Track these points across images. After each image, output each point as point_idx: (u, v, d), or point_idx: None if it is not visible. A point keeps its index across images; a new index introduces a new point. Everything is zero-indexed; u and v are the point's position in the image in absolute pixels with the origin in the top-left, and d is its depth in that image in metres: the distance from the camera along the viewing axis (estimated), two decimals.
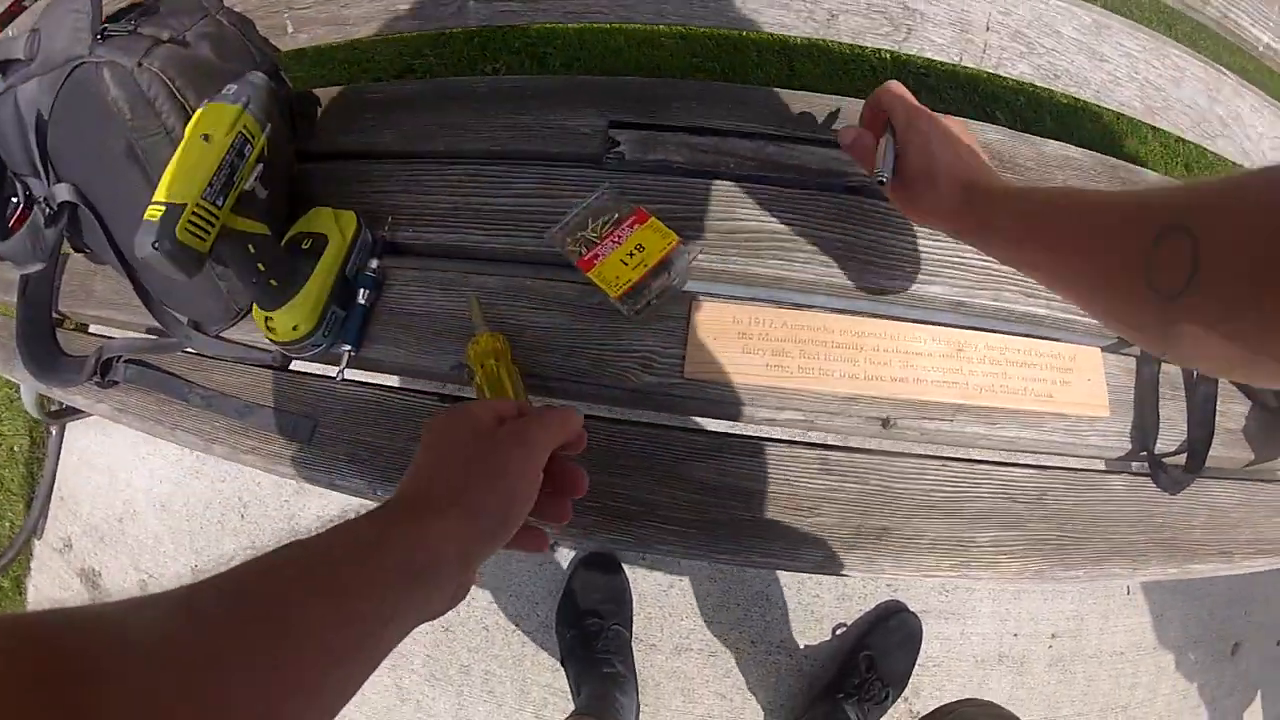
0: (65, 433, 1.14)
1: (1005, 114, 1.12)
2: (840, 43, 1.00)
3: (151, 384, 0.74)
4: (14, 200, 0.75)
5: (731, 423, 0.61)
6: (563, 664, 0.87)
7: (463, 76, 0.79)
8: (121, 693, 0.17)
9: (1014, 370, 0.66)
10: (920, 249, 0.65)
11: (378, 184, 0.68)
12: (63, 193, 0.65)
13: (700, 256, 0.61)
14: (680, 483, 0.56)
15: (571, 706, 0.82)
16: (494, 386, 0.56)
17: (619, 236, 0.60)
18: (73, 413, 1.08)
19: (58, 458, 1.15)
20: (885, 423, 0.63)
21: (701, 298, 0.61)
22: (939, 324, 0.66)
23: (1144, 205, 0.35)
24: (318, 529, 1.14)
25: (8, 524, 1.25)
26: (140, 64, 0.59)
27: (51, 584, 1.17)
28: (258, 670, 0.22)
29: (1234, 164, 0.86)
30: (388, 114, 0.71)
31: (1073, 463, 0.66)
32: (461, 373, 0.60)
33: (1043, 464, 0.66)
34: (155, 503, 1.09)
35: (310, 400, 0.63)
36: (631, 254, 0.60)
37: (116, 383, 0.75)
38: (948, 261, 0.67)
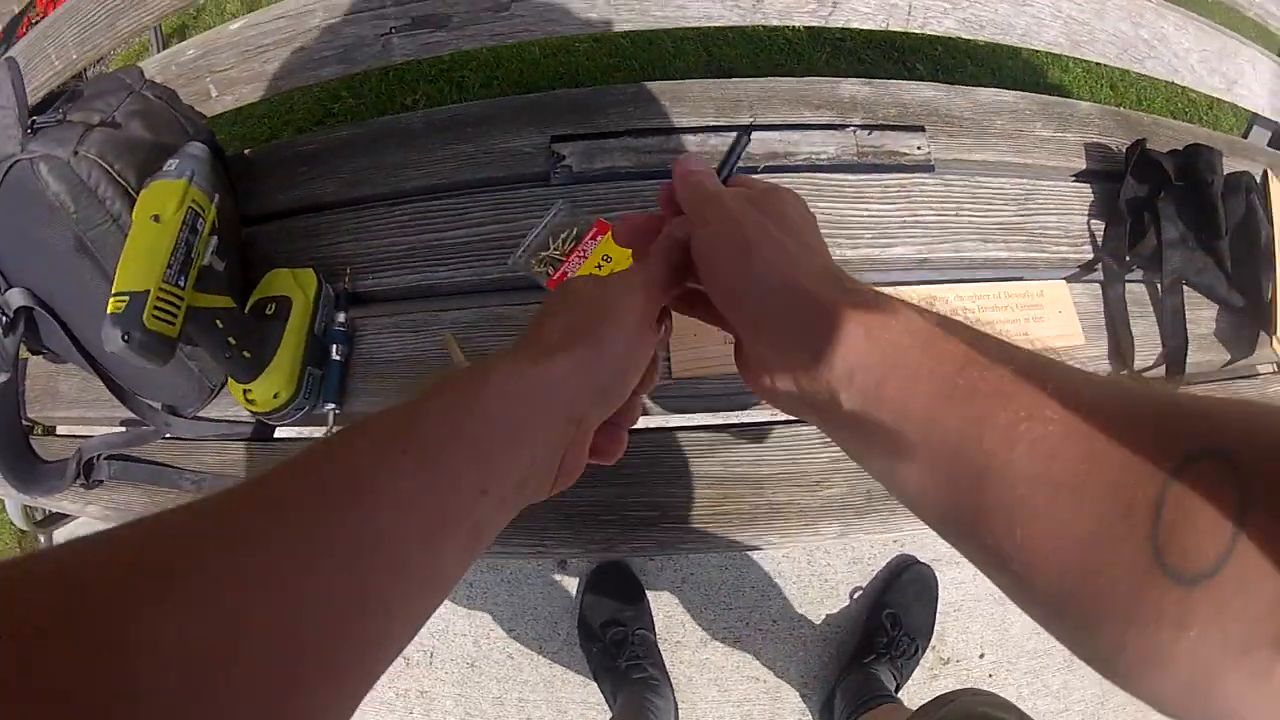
0: (54, 538, 1.10)
1: (926, 66, 1.12)
2: (747, 26, 1.00)
3: (139, 477, 0.71)
4: None
5: (727, 413, 0.60)
6: (595, 677, 0.86)
7: (389, 115, 0.76)
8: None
9: (987, 315, 0.67)
10: (876, 214, 0.65)
11: (326, 236, 0.66)
12: (16, 298, 0.62)
13: None
14: (690, 481, 0.56)
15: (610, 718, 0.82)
16: None
17: (584, 251, 0.59)
18: (61, 518, 1.03)
19: None
20: None
21: None
22: (907, 283, 0.66)
23: (1161, 416, 0.19)
24: None
25: None
26: (76, 152, 0.56)
27: None
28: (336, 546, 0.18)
29: (1165, 82, 0.87)
30: (324, 164, 0.69)
31: None
32: None
33: None
34: None
35: None
36: (600, 265, 0.59)
37: (101, 481, 0.72)
38: (905, 222, 0.67)
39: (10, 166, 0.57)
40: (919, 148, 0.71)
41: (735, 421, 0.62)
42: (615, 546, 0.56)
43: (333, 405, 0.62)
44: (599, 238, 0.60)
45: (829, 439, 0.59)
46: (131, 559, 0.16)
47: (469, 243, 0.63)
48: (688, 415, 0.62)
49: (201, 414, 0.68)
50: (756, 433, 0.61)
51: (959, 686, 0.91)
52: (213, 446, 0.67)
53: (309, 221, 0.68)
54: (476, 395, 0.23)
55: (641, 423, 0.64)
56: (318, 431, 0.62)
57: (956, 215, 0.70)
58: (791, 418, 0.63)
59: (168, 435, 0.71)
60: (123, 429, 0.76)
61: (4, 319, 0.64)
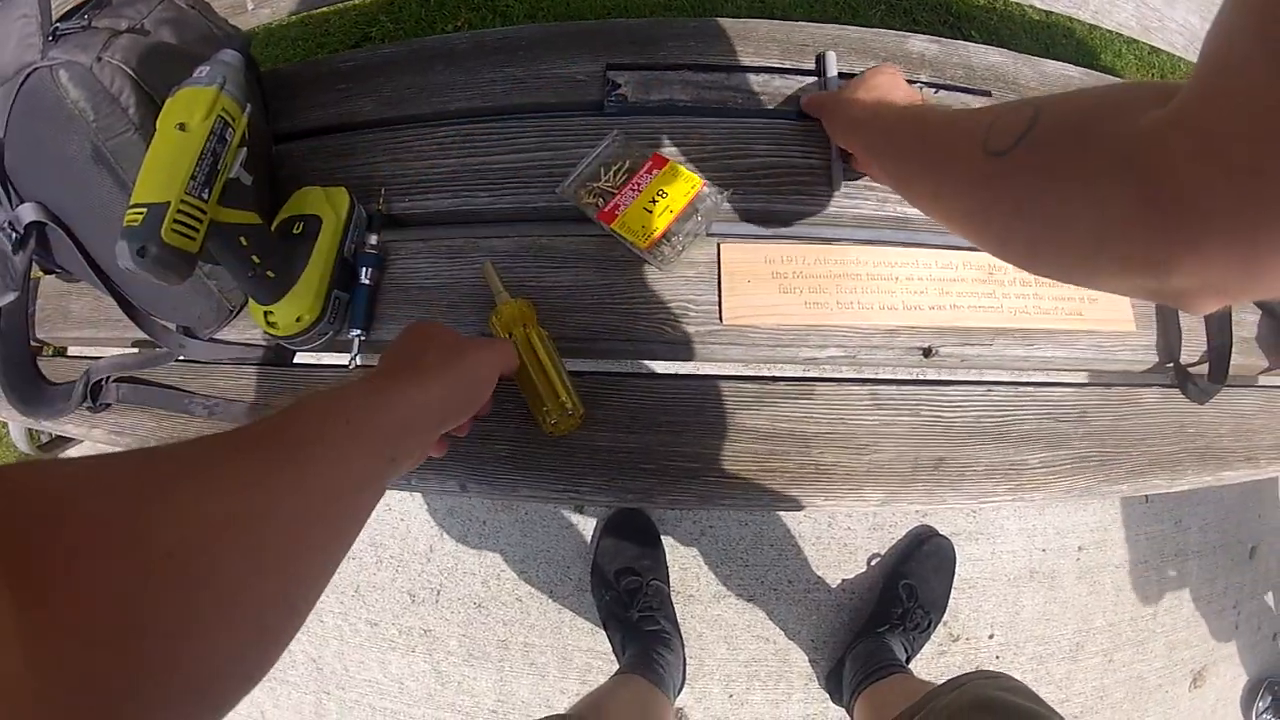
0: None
1: (981, 34, 1.06)
2: None
3: (148, 400, 0.65)
4: None
5: (775, 365, 0.54)
6: (604, 626, 0.82)
7: (429, 36, 0.70)
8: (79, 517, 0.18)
9: (1044, 290, 0.62)
10: None
11: (363, 155, 0.60)
12: (28, 214, 0.57)
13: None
14: (735, 434, 0.51)
15: (615, 669, 0.77)
16: (527, 354, 0.49)
17: (638, 184, 0.53)
18: (66, 442, 0.97)
19: None
20: (927, 352, 0.57)
21: (731, 240, 0.55)
22: (966, 248, 0.61)
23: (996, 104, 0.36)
24: None
25: None
26: (100, 59, 0.50)
27: None
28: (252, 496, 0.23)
29: None
30: (363, 82, 0.63)
31: (1107, 379, 0.62)
32: None
33: (1080, 382, 0.62)
34: None
35: None
36: (654, 201, 0.53)
37: (109, 405, 0.66)
38: None
39: (28, 75, 0.51)
40: None
41: (783, 374, 0.56)
42: (653, 497, 0.51)
43: (359, 331, 0.56)
44: (654, 172, 0.54)
45: (879, 401, 0.54)
46: (140, 462, 0.21)
47: (515, 168, 0.57)
48: (734, 364, 0.56)
49: (218, 336, 0.62)
50: (805, 389, 0.55)
51: (966, 664, 0.87)
52: (227, 370, 0.62)
53: (344, 140, 0.62)
54: (389, 398, 0.33)
55: (687, 368, 0.58)
56: (340, 359, 0.56)
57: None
58: (840, 377, 0.58)
59: (181, 358, 0.64)
60: (134, 350, 0.70)
61: (14, 235, 0.58)
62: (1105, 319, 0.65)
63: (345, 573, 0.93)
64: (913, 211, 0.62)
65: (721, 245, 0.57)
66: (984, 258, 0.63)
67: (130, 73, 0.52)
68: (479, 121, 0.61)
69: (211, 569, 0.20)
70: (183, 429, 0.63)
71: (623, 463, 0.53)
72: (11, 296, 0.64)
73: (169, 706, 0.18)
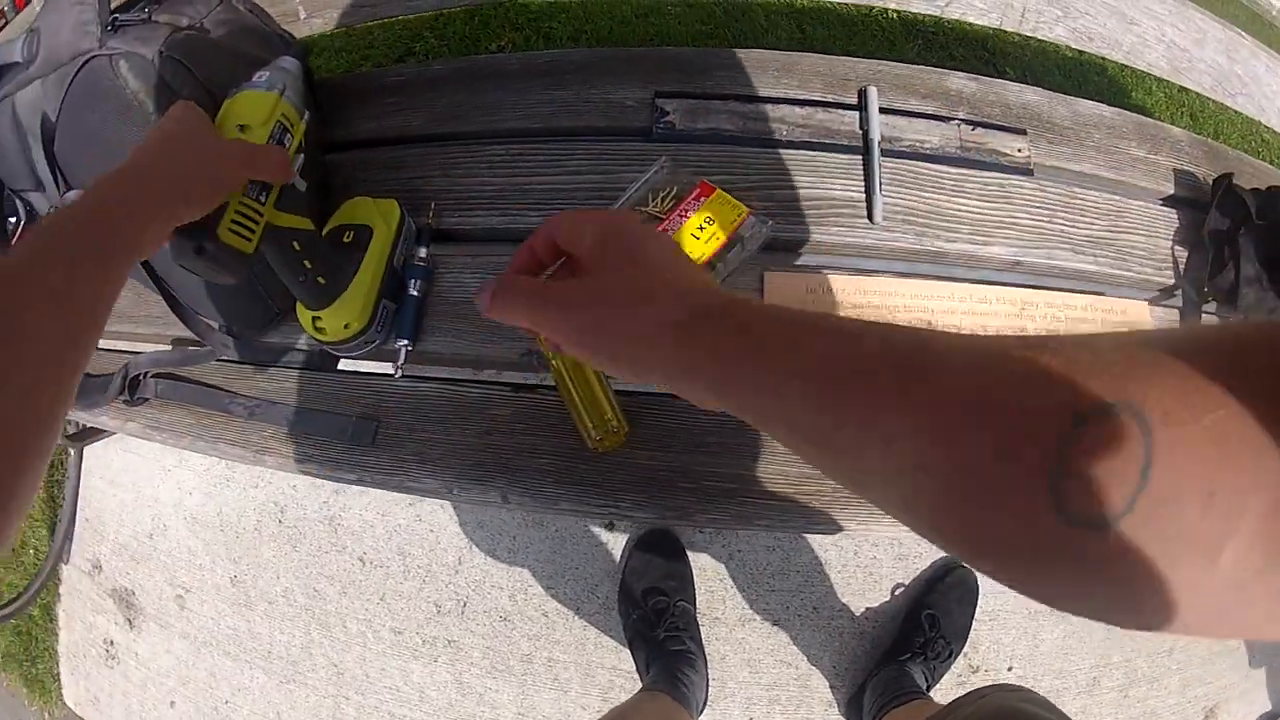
0: (84, 452, 1.03)
1: (1015, 71, 1.07)
2: (851, 4, 0.94)
3: (187, 398, 0.64)
4: (12, 220, 0.64)
5: None
6: (629, 645, 0.82)
7: (483, 55, 0.71)
8: None
9: (1074, 326, 0.62)
10: (974, 210, 0.61)
11: (412, 169, 0.60)
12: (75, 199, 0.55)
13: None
14: (772, 456, 0.52)
15: (638, 688, 0.76)
16: (576, 373, 0.49)
17: (685, 210, 0.54)
18: (94, 433, 0.97)
19: (78, 479, 1.04)
20: None
21: (774, 269, 0.55)
22: (1000, 284, 0.61)
23: (1069, 361, 0.18)
24: (360, 529, 1.04)
25: (32, 551, 1.14)
26: (162, 53, 0.49)
27: (84, 607, 1.06)
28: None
29: (1244, 121, 0.82)
30: (413, 97, 0.63)
31: None
32: (533, 360, 0.53)
33: None
34: (186, 515, 1.00)
35: (369, 400, 0.56)
36: (702, 227, 0.53)
37: (146, 399, 0.65)
38: (1001, 222, 0.63)
39: (86, 62, 0.51)
40: (1020, 150, 0.67)
41: None
42: (691, 515, 0.51)
43: (405, 342, 0.56)
44: (702, 199, 0.55)
45: None
46: None
47: (563, 190, 0.57)
48: None
49: (262, 339, 0.61)
50: None
51: None
52: (271, 373, 0.62)
53: (394, 153, 0.62)
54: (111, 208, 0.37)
55: None
56: (384, 367, 0.56)
57: (1050, 222, 0.66)
58: None
59: (223, 358, 0.64)
60: (171, 348, 0.70)
61: None
62: None
63: (371, 580, 0.93)
64: (950, 246, 0.62)
65: (765, 273, 0.57)
66: (1016, 293, 0.64)
67: (190, 70, 0.53)
68: (528, 142, 0.61)
69: None
70: (223, 427, 0.63)
71: (663, 481, 0.53)
72: None
73: None
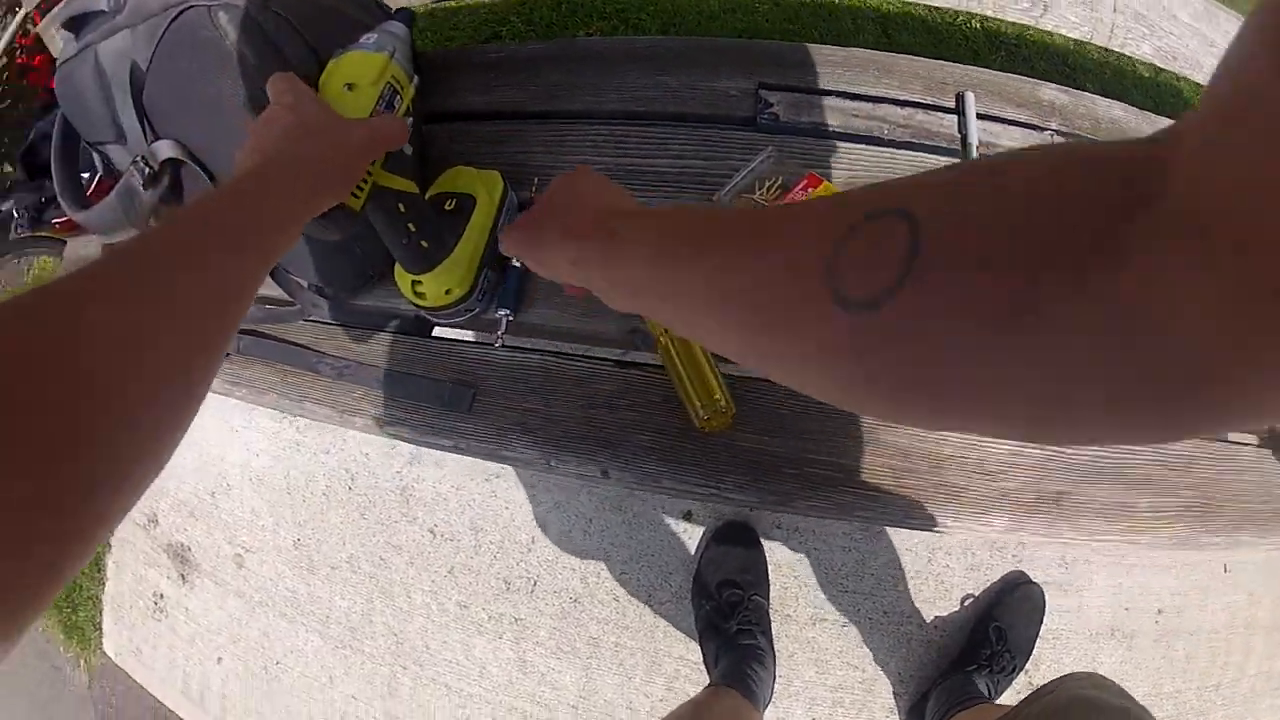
0: None
1: (1093, 86, 1.08)
2: (938, 8, 0.94)
3: (272, 355, 0.65)
4: (85, 175, 0.64)
5: None
6: (699, 636, 0.82)
7: (583, 37, 0.70)
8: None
9: None
10: None
11: (512, 144, 0.61)
12: (165, 150, 0.56)
13: None
14: (875, 448, 0.53)
15: (704, 679, 0.77)
16: (685, 352, 0.50)
17: (795, 200, 0.54)
18: None
19: None
20: None
21: None
22: None
23: (839, 201, 0.22)
24: (432, 501, 1.04)
25: None
26: (265, 6, 0.49)
27: (135, 559, 1.06)
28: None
29: None
30: (513, 74, 0.63)
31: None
32: (637, 339, 0.53)
33: None
34: (251, 476, 1.00)
35: (466, 368, 0.56)
36: None
37: (227, 354, 0.65)
38: None
39: (182, 11, 0.50)
40: None
41: None
42: (792, 502, 0.52)
43: (506, 311, 0.56)
44: (809, 190, 0.55)
45: None
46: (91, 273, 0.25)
47: (668, 173, 0.58)
48: None
49: (354, 300, 0.62)
50: None
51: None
52: (360, 334, 0.62)
53: (494, 127, 0.62)
54: (256, 200, 0.35)
55: None
56: (481, 336, 0.56)
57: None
58: None
59: (311, 318, 0.64)
60: (260, 304, 0.70)
61: (148, 170, 0.57)
62: None
63: (441, 552, 0.93)
64: None
65: None
66: None
67: (294, 26, 0.52)
68: (633, 124, 0.61)
69: (116, 383, 0.22)
70: (309, 386, 0.63)
71: (766, 465, 0.54)
72: (132, 234, 0.64)
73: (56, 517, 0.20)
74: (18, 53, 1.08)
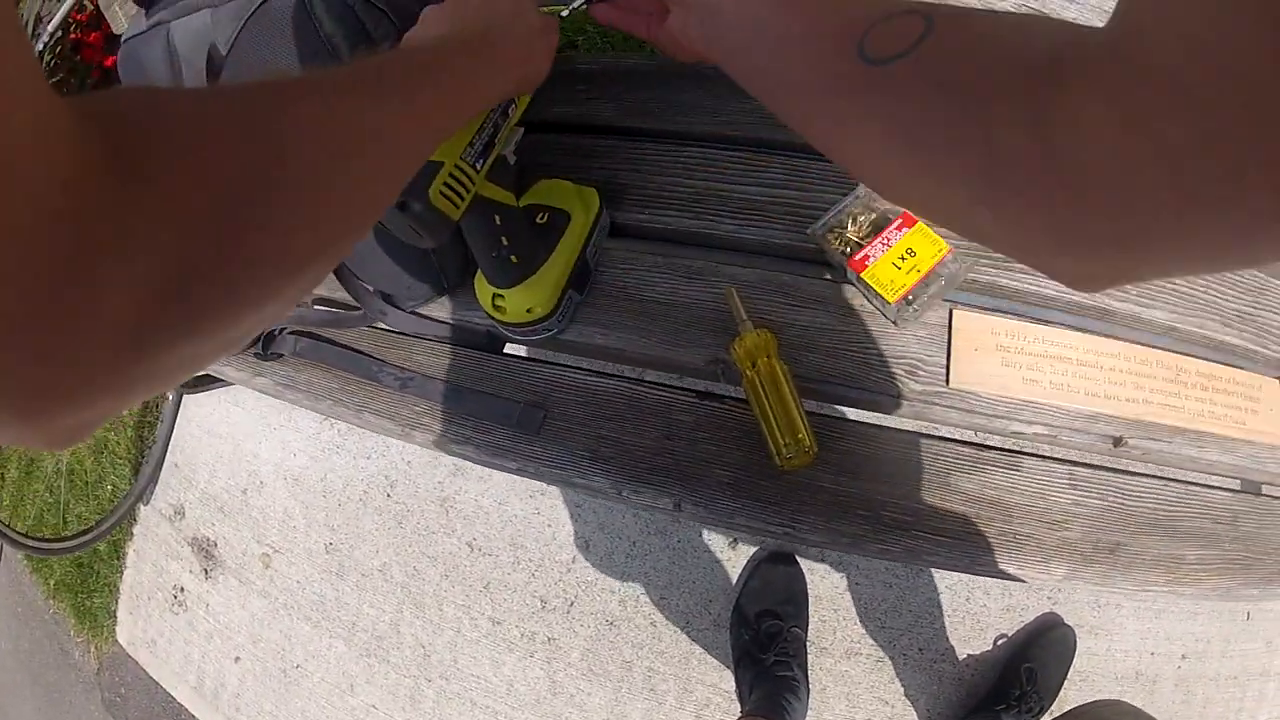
0: (183, 399, 0.97)
1: None
2: None
3: (331, 360, 0.61)
4: None
5: (982, 434, 0.53)
6: (735, 665, 0.79)
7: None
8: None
9: (1218, 396, 0.62)
10: None
11: (600, 160, 0.58)
12: None
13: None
14: (948, 494, 0.52)
15: (734, 709, 0.73)
16: (771, 387, 0.46)
17: (888, 239, 0.52)
18: (205, 382, 0.91)
19: (173, 423, 0.99)
20: (1117, 441, 0.57)
21: (961, 307, 0.53)
22: (1157, 347, 0.59)
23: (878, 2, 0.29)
24: (472, 514, 0.98)
25: (109, 488, 1.08)
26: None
27: (157, 550, 1.01)
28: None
29: None
30: (604, 87, 0.61)
31: (1255, 486, 0.62)
32: (719, 369, 0.50)
33: (1235, 488, 0.61)
34: (286, 476, 0.95)
35: (538, 388, 0.53)
36: (903, 258, 0.51)
37: (281, 355, 0.61)
38: (1164, 285, 0.60)
39: None
40: None
41: (996, 444, 0.54)
42: (863, 545, 0.49)
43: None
44: (903, 229, 0.53)
45: (1074, 482, 0.52)
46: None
47: (760, 202, 0.55)
48: (949, 427, 0.54)
49: (421, 310, 0.58)
50: (1013, 461, 0.53)
51: None
52: (429, 346, 0.59)
53: (581, 141, 0.59)
54: (471, 78, 0.36)
55: (911, 425, 0.56)
56: (555, 356, 0.52)
57: (1205, 291, 0.65)
58: (1041, 454, 0.56)
59: (375, 325, 0.60)
60: (318, 307, 0.66)
61: None
62: (1264, 430, 0.66)
63: (478, 567, 0.90)
64: (1118, 305, 0.61)
65: (953, 310, 0.55)
66: (1173, 359, 0.63)
67: (394, 21, 0.49)
68: (725, 148, 0.59)
69: (314, 176, 0.22)
70: (369, 396, 0.59)
71: (842, 506, 0.51)
72: None
73: (237, 285, 0.19)
74: (72, 28, 1.04)
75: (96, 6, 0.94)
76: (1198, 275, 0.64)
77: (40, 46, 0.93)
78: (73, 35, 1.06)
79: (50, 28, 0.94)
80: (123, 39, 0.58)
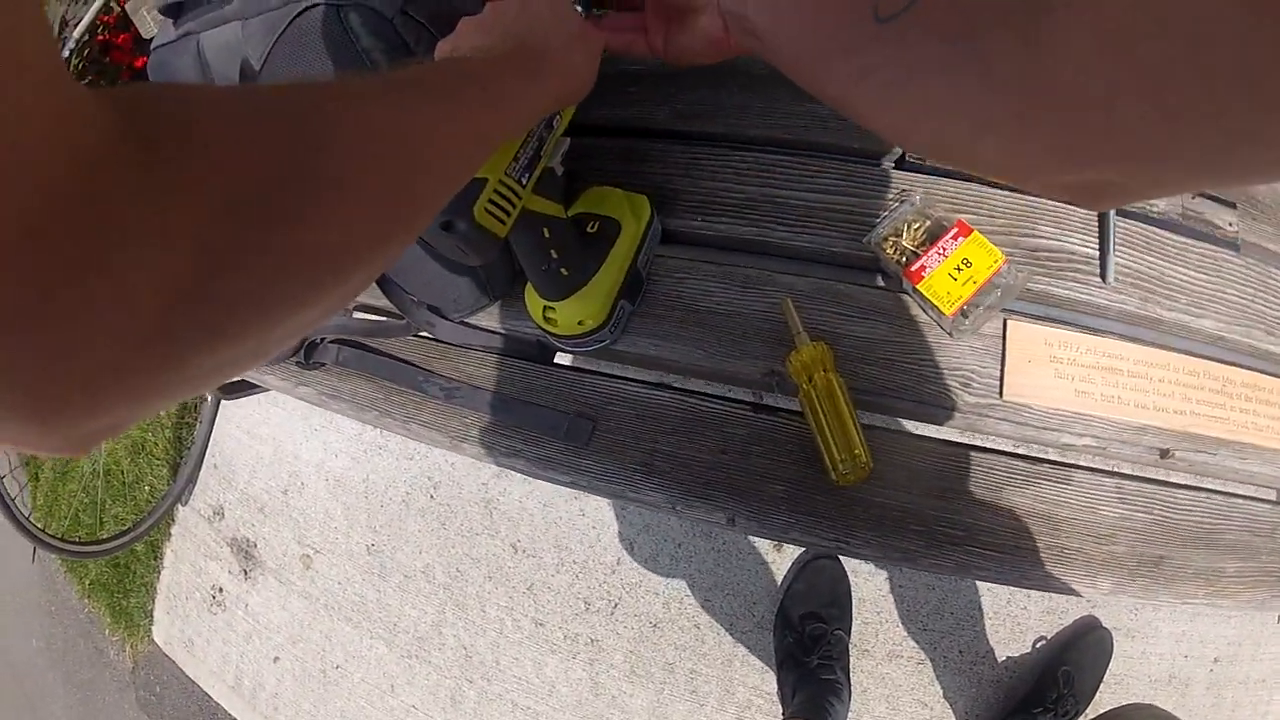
0: (222, 399, 0.96)
1: None
2: None
3: (375, 370, 0.60)
4: None
5: (1033, 446, 0.52)
6: (778, 667, 0.78)
7: None
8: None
9: (1261, 408, 0.62)
10: (1191, 280, 0.59)
11: (651, 164, 0.57)
12: None
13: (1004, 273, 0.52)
14: (1000, 509, 0.52)
15: (776, 711, 0.73)
16: (829, 403, 0.45)
17: (943, 249, 0.50)
18: (243, 388, 0.90)
19: (212, 424, 0.98)
20: (1164, 453, 0.56)
21: (1014, 318, 0.52)
22: (1204, 357, 0.58)
23: None
24: (517, 516, 0.97)
25: (147, 489, 1.08)
26: (405, 12, 0.43)
27: (196, 551, 1.01)
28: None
29: None
30: (655, 89, 0.59)
31: None
32: (774, 380, 0.49)
33: (1274, 499, 0.60)
34: (328, 477, 0.95)
35: (590, 400, 0.52)
36: (959, 269, 0.50)
37: (323, 364, 0.60)
38: (1213, 296, 0.60)
39: (308, 8, 0.45)
40: (1230, 224, 0.65)
41: (1049, 458, 0.53)
42: (916, 559, 0.49)
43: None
44: (959, 239, 0.52)
45: (1123, 495, 0.52)
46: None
47: (815, 207, 0.54)
48: (1002, 439, 0.53)
49: (468, 320, 0.57)
50: (1064, 474, 0.52)
51: None
52: (475, 356, 0.58)
53: (631, 144, 0.58)
54: (520, 92, 0.35)
55: (968, 439, 0.55)
56: (608, 367, 0.51)
57: (1252, 301, 0.64)
58: (1093, 467, 0.55)
59: (420, 334, 0.59)
60: (362, 316, 0.64)
61: None
62: None
63: (521, 569, 0.90)
64: (1167, 314, 0.60)
65: (1008, 320, 0.54)
66: (1220, 369, 0.62)
67: (434, 33, 0.47)
68: (779, 152, 0.58)
69: (353, 171, 0.21)
70: (415, 406, 0.58)
71: (896, 520, 0.51)
72: None
73: (267, 284, 0.18)
74: (99, 30, 1.01)
75: (124, 9, 0.92)
76: (1194, 189, 0.63)
77: (66, 52, 0.91)
78: (101, 37, 1.04)
79: (77, 33, 0.92)
80: (152, 46, 0.56)
